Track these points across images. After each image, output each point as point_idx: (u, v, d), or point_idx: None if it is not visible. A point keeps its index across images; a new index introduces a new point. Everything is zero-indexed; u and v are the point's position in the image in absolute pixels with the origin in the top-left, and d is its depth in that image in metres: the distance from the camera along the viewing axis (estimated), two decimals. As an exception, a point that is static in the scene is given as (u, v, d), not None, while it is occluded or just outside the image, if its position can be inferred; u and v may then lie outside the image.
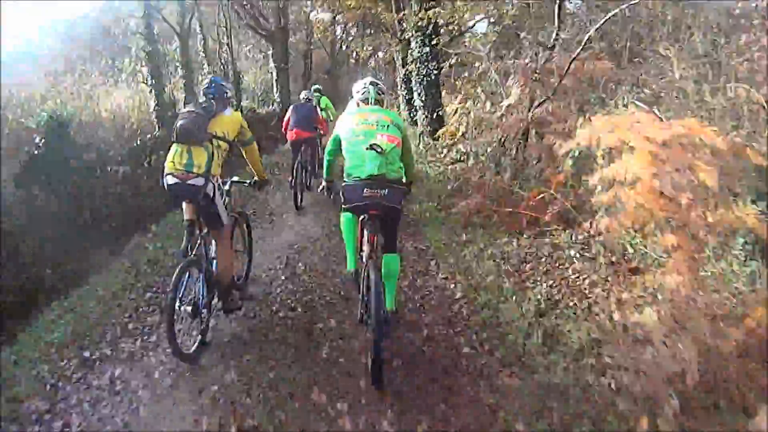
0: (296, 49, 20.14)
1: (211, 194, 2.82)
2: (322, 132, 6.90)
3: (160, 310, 3.36)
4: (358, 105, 3.00)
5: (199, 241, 2.95)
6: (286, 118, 6.25)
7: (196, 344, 2.82)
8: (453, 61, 8.09)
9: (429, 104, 8.35)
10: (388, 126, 2.73)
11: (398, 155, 2.74)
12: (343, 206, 2.78)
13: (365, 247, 2.75)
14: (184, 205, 2.99)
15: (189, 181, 2.73)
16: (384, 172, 2.59)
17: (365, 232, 2.77)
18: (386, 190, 2.61)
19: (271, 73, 14.58)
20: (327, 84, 21.94)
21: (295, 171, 5.86)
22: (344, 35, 24.00)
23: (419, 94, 8.48)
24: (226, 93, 3.09)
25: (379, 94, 2.96)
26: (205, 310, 2.87)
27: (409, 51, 8.56)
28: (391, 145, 2.66)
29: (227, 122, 2.98)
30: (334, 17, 19.83)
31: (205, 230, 3.01)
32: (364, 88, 2.96)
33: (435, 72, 8.13)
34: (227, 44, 12.41)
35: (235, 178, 3.35)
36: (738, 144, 2.51)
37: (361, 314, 2.74)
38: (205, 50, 12.48)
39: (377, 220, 2.73)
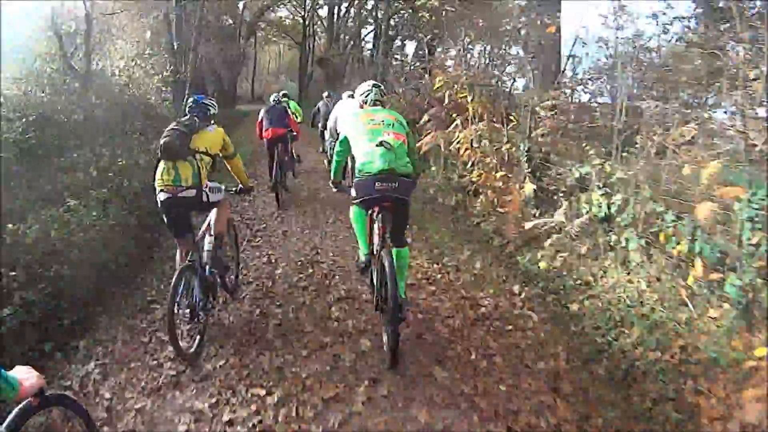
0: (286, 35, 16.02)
1: (206, 199, 3.10)
2: (294, 132, 7.39)
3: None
4: (361, 106, 3.24)
5: (192, 248, 3.18)
6: (258, 120, 6.72)
7: (196, 344, 3.05)
8: None
9: None
10: (393, 124, 2.96)
11: (405, 151, 2.92)
12: (354, 201, 3.01)
13: (376, 239, 3.00)
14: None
15: (180, 194, 2.97)
16: (393, 166, 2.78)
17: (375, 225, 3.03)
18: (396, 183, 2.79)
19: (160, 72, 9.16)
20: (320, 86, 15.94)
21: (272, 171, 6.34)
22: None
23: None
24: (209, 110, 3.34)
25: (381, 96, 3.23)
26: (202, 312, 3.10)
27: None
28: (399, 141, 2.87)
29: (210, 138, 3.20)
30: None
31: (199, 236, 3.28)
32: (368, 89, 3.23)
33: None
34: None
35: (222, 186, 3.57)
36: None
37: (377, 300, 2.96)
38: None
39: (387, 212, 2.92)
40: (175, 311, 2.83)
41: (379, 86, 3.28)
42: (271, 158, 6.50)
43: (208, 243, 3.39)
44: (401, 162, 2.83)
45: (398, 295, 2.70)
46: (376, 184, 2.78)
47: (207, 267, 3.28)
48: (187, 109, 3.32)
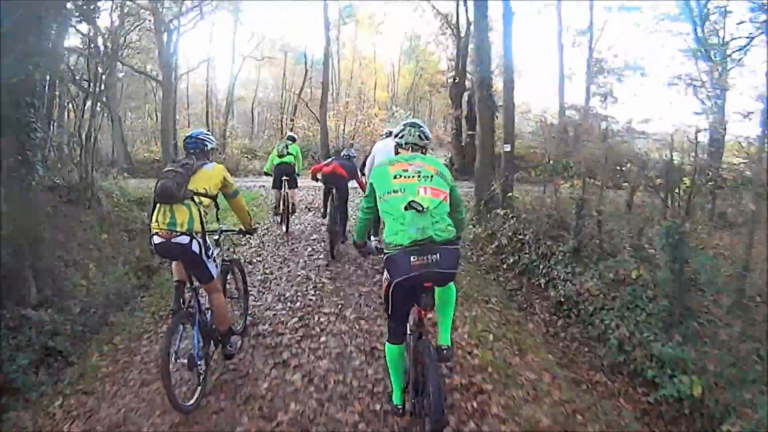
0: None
1: (198, 251, 2.87)
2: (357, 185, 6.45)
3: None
4: (397, 152, 2.63)
5: (191, 295, 3.02)
6: (322, 164, 6.28)
7: (197, 395, 2.86)
8: None
9: None
10: (432, 177, 2.32)
11: (446, 211, 2.31)
12: (389, 281, 2.34)
13: (412, 325, 2.49)
14: (173, 265, 3.08)
15: (173, 240, 2.82)
16: (430, 234, 2.17)
17: (413, 308, 2.45)
18: (438, 255, 2.18)
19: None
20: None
21: (329, 214, 5.84)
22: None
23: None
24: (206, 145, 3.12)
25: (421, 139, 2.57)
26: (201, 362, 2.91)
27: None
28: (437, 200, 2.26)
29: (209, 177, 3.02)
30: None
31: (197, 283, 3.06)
32: (403, 129, 2.60)
33: None
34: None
35: (225, 227, 3.43)
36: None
37: (412, 402, 2.44)
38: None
39: (430, 293, 2.29)
40: (171, 361, 2.66)
41: (419, 125, 2.62)
42: (326, 197, 6.16)
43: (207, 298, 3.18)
44: (440, 226, 2.22)
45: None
46: (412, 258, 2.16)
47: (208, 312, 3.12)
48: (183, 146, 3.13)
